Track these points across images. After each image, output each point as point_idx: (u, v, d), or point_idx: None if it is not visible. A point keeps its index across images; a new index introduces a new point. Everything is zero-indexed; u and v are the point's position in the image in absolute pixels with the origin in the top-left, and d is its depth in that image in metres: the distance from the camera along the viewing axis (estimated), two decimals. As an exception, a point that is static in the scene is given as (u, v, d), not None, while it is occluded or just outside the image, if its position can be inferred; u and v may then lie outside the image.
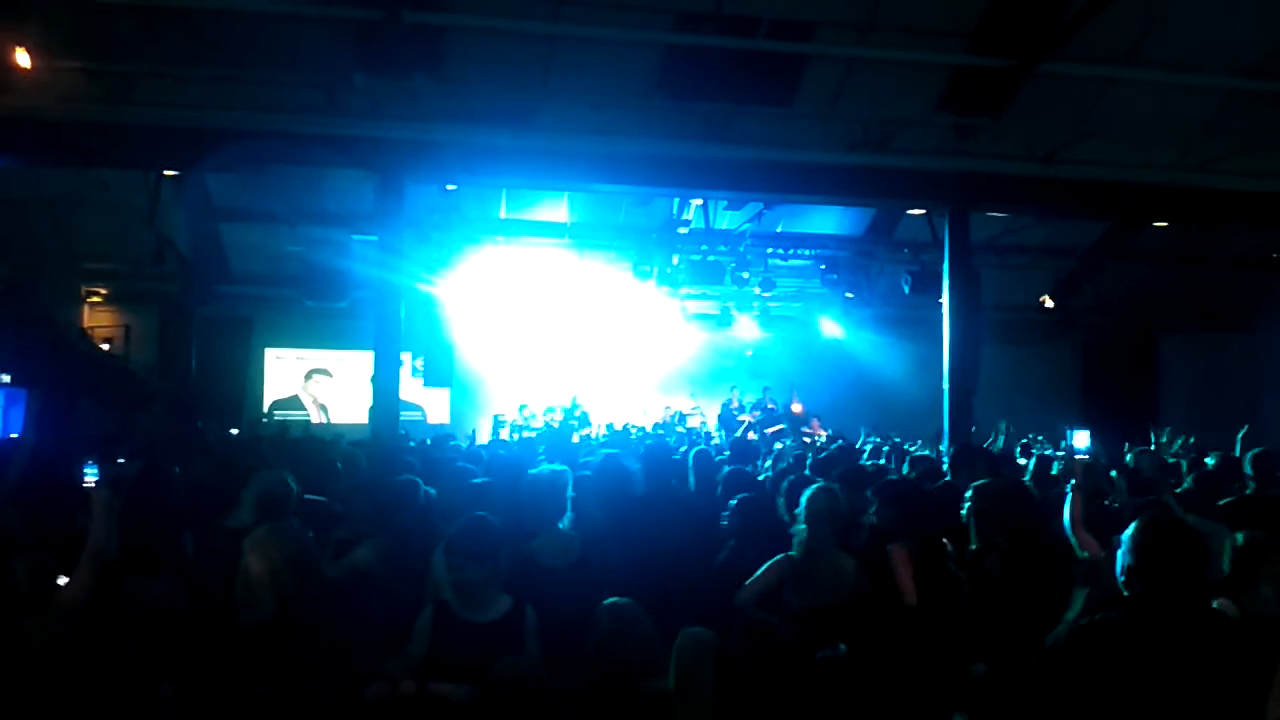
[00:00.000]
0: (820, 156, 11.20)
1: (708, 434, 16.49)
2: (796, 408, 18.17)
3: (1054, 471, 7.38)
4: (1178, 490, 6.82)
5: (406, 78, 10.00)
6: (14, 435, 12.09)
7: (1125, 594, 2.99)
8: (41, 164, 11.46)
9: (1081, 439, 4.98)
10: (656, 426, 17.06)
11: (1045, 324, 18.83)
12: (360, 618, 4.84)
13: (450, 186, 12.98)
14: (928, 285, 13.44)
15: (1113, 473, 7.11)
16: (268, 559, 4.91)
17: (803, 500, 4.82)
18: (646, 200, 14.76)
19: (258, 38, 9.79)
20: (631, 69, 10.67)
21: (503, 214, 15.41)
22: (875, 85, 10.81)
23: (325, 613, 4.86)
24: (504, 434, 16.56)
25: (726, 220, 15.57)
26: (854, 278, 16.81)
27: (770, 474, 7.95)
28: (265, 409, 19.52)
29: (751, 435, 14.39)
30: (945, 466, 7.58)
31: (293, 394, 19.96)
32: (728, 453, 9.16)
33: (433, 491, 5.74)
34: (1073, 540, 4.70)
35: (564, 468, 5.37)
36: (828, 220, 16.20)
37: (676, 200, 14.87)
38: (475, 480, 5.95)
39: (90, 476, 4.06)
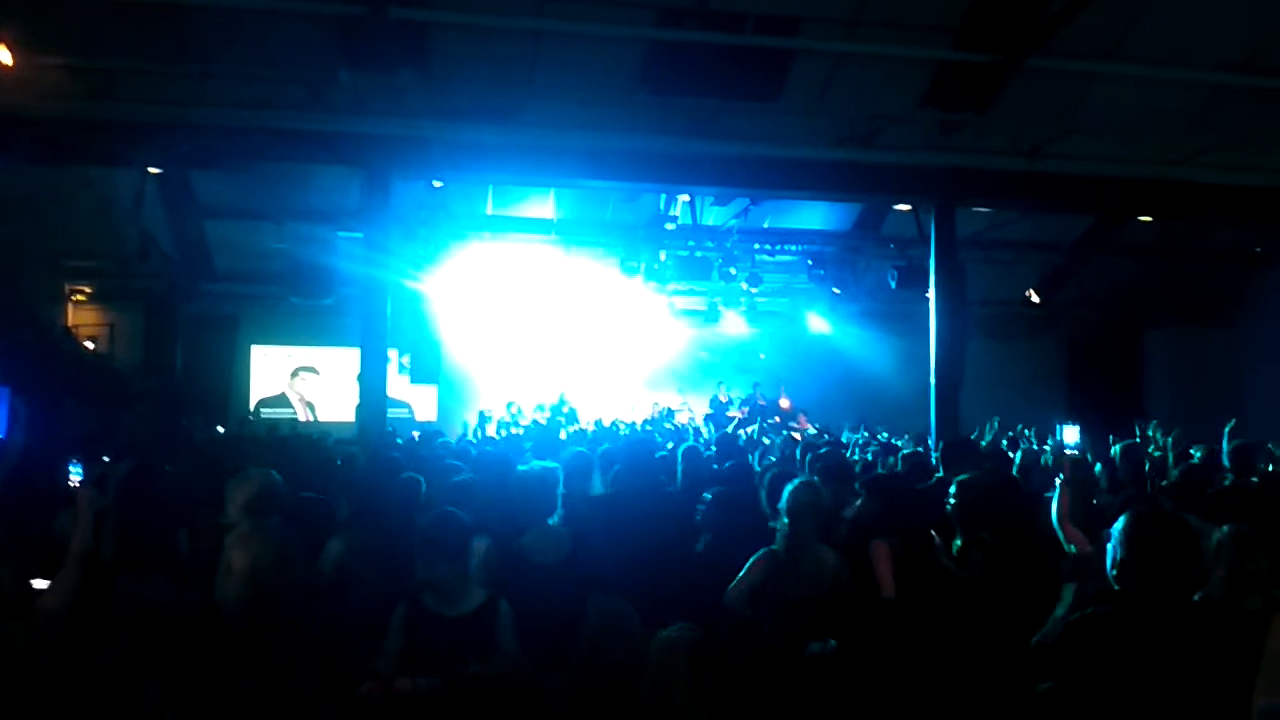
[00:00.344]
0: (806, 152, 11.22)
1: (696, 429, 16.50)
2: (784, 403, 18.21)
3: (1040, 465, 7.39)
4: (1163, 484, 6.85)
5: (392, 73, 9.96)
6: (-2, 436, 12.00)
7: (1115, 588, 3.01)
8: (24, 161, 11.36)
9: (1071, 434, 4.98)
10: (645, 423, 17.05)
11: (1031, 319, 18.90)
12: (340, 614, 4.84)
13: (436, 183, 12.95)
14: (914, 280, 13.48)
15: (1097, 467, 7.13)
16: (252, 553, 4.87)
17: (785, 494, 4.83)
18: (633, 196, 14.75)
19: (242, 33, 9.74)
20: (617, 64, 10.65)
21: (489, 210, 15.39)
22: (861, 81, 10.83)
23: (305, 609, 4.84)
24: (490, 430, 16.51)
25: (713, 216, 15.58)
26: (841, 273, 16.86)
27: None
28: (251, 407, 19.43)
29: (744, 431, 14.38)
30: (934, 461, 7.58)
31: (279, 392, 19.87)
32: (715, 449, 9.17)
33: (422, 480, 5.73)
34: (1060, 535, 4.72)
35: (555, 465, 5.36)
36: (814, 216, 16.22)
37: (663, 196, 14.87)
38: (456, 479, 5.92)
39: (75, 476, 4.03)
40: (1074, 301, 18.48)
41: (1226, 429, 8.05)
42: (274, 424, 17.10)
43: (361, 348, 10.41)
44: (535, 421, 16.46)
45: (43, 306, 15.28)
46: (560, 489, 5.17)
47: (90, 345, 16.58)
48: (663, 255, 15.97)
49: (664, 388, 19.45)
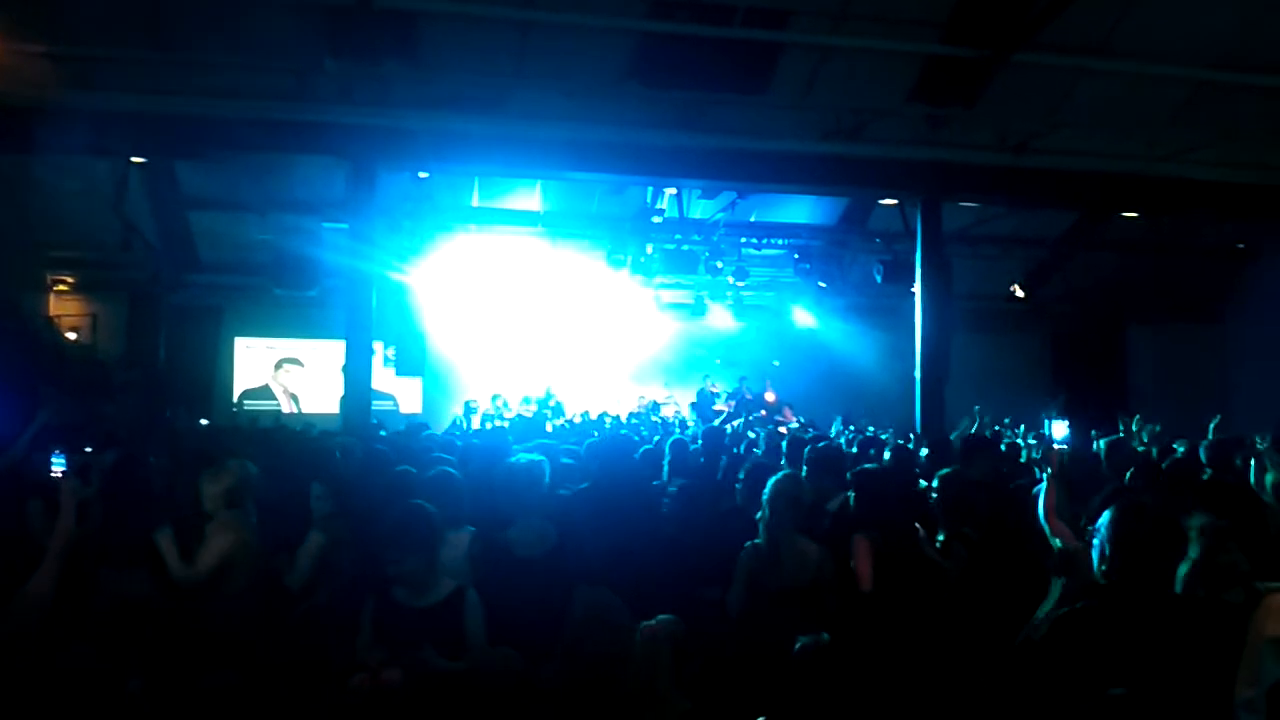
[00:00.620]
0: (794, 145, 11.23)
1: (683, 422, 16.50)
2: (770, 396, 18.23)
3: (1023, 460, 7.42)
4: (1140, 480, 6.86)
5: (378, 64, 9.89)
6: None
7: (1102, 583, 3.02)
8: (5, 150, 11.27)
9: (1060, 429, 5.00)
10: (631, 416, 17.04)
11: (1016, 313, 18.97)
12: (317, 606, 4.83)
13: (422, 174, 12.90)
14: (900, 275, 13.52)
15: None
16: (230, 543, 4.83)
17: (768, 485, 4.84)
18: (620, 189, 14.73)
19: (226, 22, 9.63)
20: (605, 56, 10.60)
21: (475, 202, 15.33)
22: (849, 75, 10.82)
23: (282, 601, 4.83)
24: (475, 422, 16.47)
25: (700, 209, 15.58)
26: (827, 267, 16.88)
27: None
28: (235, 399, 19.35)
29: (730, 425, 14.38)
30: (922, 457, 7.60)
31: (263, 383, 19.77)
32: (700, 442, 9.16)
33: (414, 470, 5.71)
34: (1047, 530, 4.72)
35: (542, 458, 5.34)
36: (801, 210, 16.23)
37: (650, 189, 14.86)
38: (431, 472, 5.89)
39: (57, 466, 3.99)
40: (1059, 296, 18.57)
41: (1212, 424, 8.11)
42: (256, 416, 17.03)
43: (346, 340, 10.37)
44: (520, 415, 16.42)
45: (25, 296, 15.16)
46: (547, 480, 5.16)
47: (72, 335, 16.48)
48: (649, 248, 15.97)
49: (650, 381, 19.44)
